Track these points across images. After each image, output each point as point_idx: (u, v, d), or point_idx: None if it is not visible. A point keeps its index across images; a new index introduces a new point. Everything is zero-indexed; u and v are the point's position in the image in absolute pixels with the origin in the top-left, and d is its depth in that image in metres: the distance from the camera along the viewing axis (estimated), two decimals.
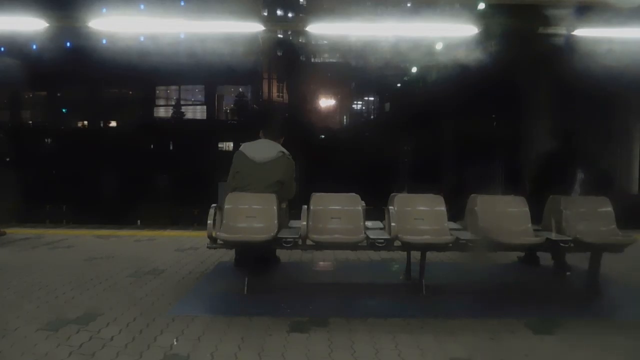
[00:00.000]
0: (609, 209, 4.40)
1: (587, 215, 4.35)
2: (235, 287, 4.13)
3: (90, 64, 21.19)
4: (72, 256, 5.38)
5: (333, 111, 35.61)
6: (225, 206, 4.26)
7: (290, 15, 34.32)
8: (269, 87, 32.94)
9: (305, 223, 4.02)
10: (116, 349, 2.94)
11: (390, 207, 4.21)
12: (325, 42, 32.04)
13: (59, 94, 28.61)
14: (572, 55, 8.30)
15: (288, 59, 31.45)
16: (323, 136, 26.63)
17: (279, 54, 31.86)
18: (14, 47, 22.10)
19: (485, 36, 11.49)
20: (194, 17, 6.55)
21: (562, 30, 7.37)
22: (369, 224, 4.46)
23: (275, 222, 4.14)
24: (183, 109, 30.81)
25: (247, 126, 12.00)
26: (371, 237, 4.00)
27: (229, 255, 5.02)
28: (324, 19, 6.54)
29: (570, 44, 8.34)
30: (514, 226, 4.33)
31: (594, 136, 12.18)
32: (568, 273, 4.82)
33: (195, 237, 6.50)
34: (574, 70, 9.49)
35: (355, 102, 37.98)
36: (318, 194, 4.50)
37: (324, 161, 17.47)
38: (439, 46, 17.27)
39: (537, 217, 4.50)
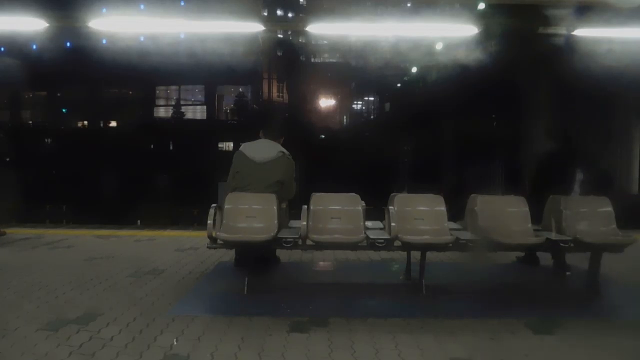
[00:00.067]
0: (609, 209, 4.40)
1: (587, 215, 4.36)
2: (235, 287, 4.14)
3: (90, 64, 21.15)
4: (72, 256, 5.38)
5: (333, 111, 35.55)
6: (225, 206, 4.27)
7: (290, 15, 34.27)
8: (269, 87, 32.89)
9: (305, 223, 4.02)
10: (116, 349, 2.95)
11: (390, 207, 4.21)
12: (325, 42, 31.99)
13: (59, 94, 28.55)
14: (572, 55, 8.30)
15: (288, 59, 31.41)
16: (323, 136, 26.60)
17: (279, 54, 31.81)
18: (14, 47, 22.09)
19: (485, 36, 11.47)
20: (194, 17, 6.56)
21: (562, 30, 7.37)
22: (369, 224, 4.46)
23: (275, 222, 4.14)
24: (183, 109, 30.75)
25: (247, 126, 12.02)
26: (371, 237, 4.00)
27: (229, 255, 5.02)
28: (324, 19, 6.54)
29: (570, 44, 8.34)
30: (514, 226, 4.34)
31: (594, 136, 12.16)
32: (568, 273, 4.82)
33: (195, 237, 6.50)
34: (574, 70, 9.48)
35: (355, 102, 37.90)
36: (318, 194, 4.50)
37: (324, 161, 17.46)
38: (439, 46, 17.25)
39: (537, 217, 4.50)
